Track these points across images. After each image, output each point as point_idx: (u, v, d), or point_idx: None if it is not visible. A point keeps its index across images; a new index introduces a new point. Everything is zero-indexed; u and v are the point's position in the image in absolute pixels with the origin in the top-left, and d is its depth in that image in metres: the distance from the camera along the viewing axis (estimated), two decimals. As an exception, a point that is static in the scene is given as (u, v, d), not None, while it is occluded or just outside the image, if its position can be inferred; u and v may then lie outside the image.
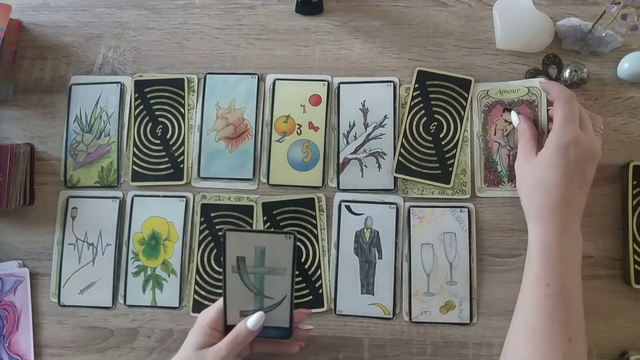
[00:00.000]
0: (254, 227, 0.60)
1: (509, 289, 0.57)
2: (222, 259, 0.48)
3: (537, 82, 0.59)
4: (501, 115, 0.60)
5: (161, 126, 0.63)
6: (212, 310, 0.50)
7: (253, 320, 0.48)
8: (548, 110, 0.57)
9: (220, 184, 0.61)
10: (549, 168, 0.49)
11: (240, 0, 0.65)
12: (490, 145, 0.59)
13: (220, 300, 0.50)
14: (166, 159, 0.62)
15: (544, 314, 0.45)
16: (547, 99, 0.58)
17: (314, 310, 0.58)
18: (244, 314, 0.49)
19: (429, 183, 0.59)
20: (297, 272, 0.59)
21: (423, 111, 0.60)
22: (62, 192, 0.63)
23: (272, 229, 0.59)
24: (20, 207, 0.62)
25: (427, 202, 0.59)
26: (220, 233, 0.60)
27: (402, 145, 0.60)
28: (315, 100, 0.61)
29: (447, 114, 0.60)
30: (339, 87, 0.61)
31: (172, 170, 0.62)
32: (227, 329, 0.49)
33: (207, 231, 0.60)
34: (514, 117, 0.57)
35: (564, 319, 0.45)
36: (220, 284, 0.59)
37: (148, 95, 0.63)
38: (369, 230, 0.59)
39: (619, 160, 0.58)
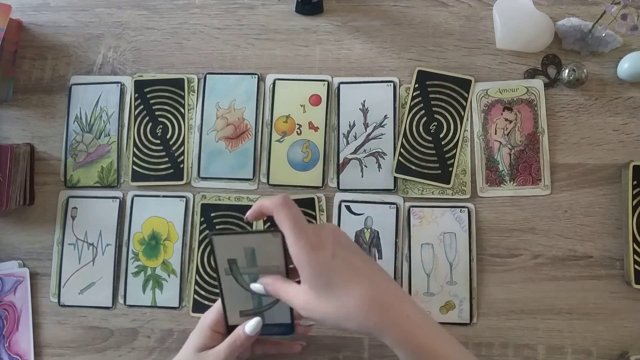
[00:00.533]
0: (254, 228, 0.60)
1: (509, 289, 0.57)
2: (213, 262, 0.47)
3: (536, 82, 0.59)
4: (501, 114, 0.60)
5: (161, 126, 0.63)
6: (213, 311, 0.50)
7: (251, 326, 0.47)
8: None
9: (220, 184, 0.61)
10: (323, 281, 0.40)
11: (240, 0, 0.65)
12: (491, 144, 0.59)
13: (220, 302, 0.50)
14: (166, 159, 0.62)
15: None
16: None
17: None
18: (245, 314, 0.49)
19: (429, 183, 0.59)
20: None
21: (423, 111, 0.60)
22: (62, 192, 0.63)
23: (259, 229, 0.59)
24: (20, 207, 0.62)
25: (427, 202, 0.59)
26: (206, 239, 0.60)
27: (402, 145, 0.60)
28: (315, 100, 0.61)
29: (447, 114, 0.60)
30: (339, 87, 0.61)
31: (172, 170, 0.62)
32: (229, 329, 0.49)
33: (207, 231, 0.60)
34: (257, 289, 0.45)
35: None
36: (220, 284, 0.59)
37: (148, 95, 0.63)
38: (369, 230, 0.59)
39: (619, 160, 0.58)
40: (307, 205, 0.60)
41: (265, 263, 0.46)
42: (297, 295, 0.41)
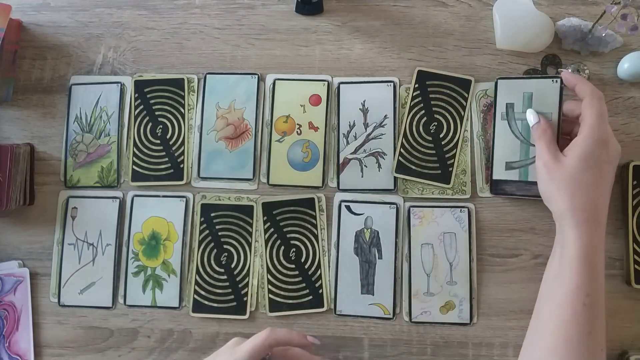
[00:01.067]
0: (254, 228, 0.60)
1: (509, 289, 0.57)
2: (491, 107, 0.55)
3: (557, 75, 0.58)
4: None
5: (161, 126, 0.63)
6: (251, 344, 0.47)
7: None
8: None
9: (220, 184, 0.61)
10: (589, 166, 0.46)
11: (240, 0, 0.65)
12: (490, 144, 0.59)
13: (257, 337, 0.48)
14: (166, 159, 0.62)
15: (580, 325, 0.43)
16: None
17: (314, 311, 0.59)
18: (510, 166, 0.54)
19: (429, 183, 0.59)
20: (301, 268, 0.59)
21: (423, 111, 0.60)
22: (62, 192, 0.63)
23: (542, 75, 0.59)
24: (20, 207, 0.62)
25: (427, 202, 0.59)
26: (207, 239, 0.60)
27: (402, 145, 0.60)
28: (315, 100, 0.61)
29: (447, 114, 0.60)
30: (339, 87, 0.61)
31: (172, 170, 0.62)
32: (493, 184, 0.55)
33: (207, 231, 0.60)
34: (531, 115, 0.54)
35: (598, 329, 0.43)
36: (220, 283, 0.59)
37: (148, 95, 0.63)
38: (369, 230, 0.59)
39: (619, 160, 0.58)
40: (307, 205, 0.60)
41: (540, 109, 0.53)
42: (555, 154, 0.49)
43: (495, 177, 0.57)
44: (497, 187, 0.58)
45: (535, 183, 0.54)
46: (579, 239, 0.45)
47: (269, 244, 0.60)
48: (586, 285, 0.44)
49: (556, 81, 0.55)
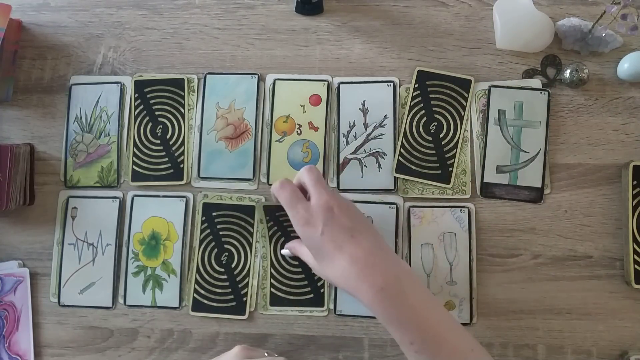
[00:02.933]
0: (255, 227, 0.60)
1: (509, 289, 0.57)
2: (486, 113, 0.57)
3: (534, 82, 0.59)
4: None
5: (161, 126, 0.63)
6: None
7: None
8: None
9: (220, 184, 0.61)
10: (325, 254, 0.46)
11: (240, 0, 0.65)
12: (490, 145, 0.60)
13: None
14: (166, 159, 0.62)
15: None
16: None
17: (313, 311, 0.59)
18: (500, 170, 0.55)
19: (429, 183, 0.59)
20: (304, 265, 0.59)
21: (423, 111, 0.60)
22: (62, 192, 0.63)
23: (531, 86, 0.59)
24: (20, 207, 0.62)
25: (427, 202, 0.59)
26: (207, 238, 0.60)
27: (402, 145, 0.60)
28: (315, 100, 0.61)
29: (447, 114, 0.60)
30: (339, 87, 0.61)
31: (172, 170, 0.62)
32: (483, 186, 0.57)
33: (208, 230, 0.60)
34: (285, 253, 0.57)
35: (448, 356, 0.42)
36: (220, 283, 0.59)
37: (148, 95, 0.63)
38: (369, 230, 0.59)
39: (619, 160, 0.58)
40: (307, 205, 0.60)
41: (529, 118, 0.57)
42: (308, 255, 0.50)
43: (485, 179, 0.58)
44: (487, 190, 0.58)
45: (524, 187, 0.57)
46: (373, 308, 0.44)
47: (272, 241, 0.60)
48: (403, 336, 0.43)
49: (544, 93, 0.58)
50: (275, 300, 0.59)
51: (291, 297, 0.59)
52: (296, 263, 0.59)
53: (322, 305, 0.59)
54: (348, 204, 0.48)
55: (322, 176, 0.49)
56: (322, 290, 0.59)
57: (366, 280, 0.43)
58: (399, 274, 0.44)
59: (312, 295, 0.59)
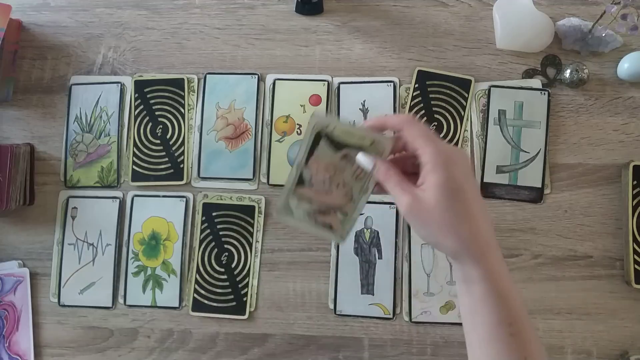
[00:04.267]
0: (254, 227, 0.60)
1: (509, 289, 0.57)
2: (486, 113, 0.57)
3: (534, 82, 0.59)
4: (501, 115, 0.60)
5: (161, 126, 0.63)
6: None
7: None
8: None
9: (220, 184, 0.61)
10: (453, 193, 0.40)
11: (240, 0, 0.65)
12: (490, 145, 0.59)
13: None
14: (166, 159, 0.62)
15: (515, 354, 0.41)
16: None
17: (327, 237, 0.59)
18: (500, 170, 0.55)
19: (429, 183, 0.59)
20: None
21: (423, 111, 0.60)
22: (62, 192, 0.63)
23: (532, 86, 0.59)
24: (20, 207, 0.62)
25: (427, 202, 0.59)
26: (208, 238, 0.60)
27: (402, 145, 0.60)
28: (315, 100, 0.61)
29: (447, 114, 0.60)
30: (339, 87, 0.61)
31: (172, 170, 0.62)
32: (483, 186, 0.57)
33: (208, 230, 0.60)
34: (363, 161, 0.44)
35: (534, 349, 0.41)
36: (220, 283, 0.59)
37: (148, 95, 0.63)
38: (369, 230, 0.59)
39: (619, 160, 0.58)
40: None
41: (529, 118, 0.56)
42: (411, 192, 0.42)
43: (485, 179, 0.58)
44: (487, 189, 0.58)
45: (524, 187, 0.57)
46: (483, 275, 0.41)
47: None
48: (506, 316, 0.41)
49: (544, 93, 0.59)
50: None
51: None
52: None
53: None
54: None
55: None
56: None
57: (487, 255, 0.42)
58: (505, 264, 0.43)
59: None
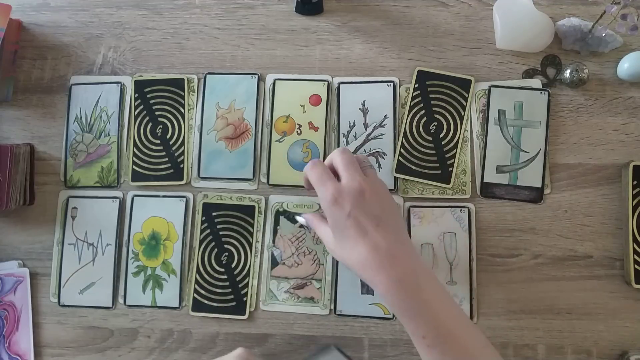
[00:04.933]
0: (254, 227, 0.60)
1: (509, 289, 0.57)
2: (486, 113, 0.57)
3: (534, 82, 0.59)
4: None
5: (161, 126, 0.63)
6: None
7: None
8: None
9: (220, 184, 0.61)
10: (343, 235, 0.45)
11: (240, 0, 0.65)
12: (490, 145, 0.60)
13: None
14: (166, 159, 0.62)
15: None
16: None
17: (313, 310, 0.59)
18: (500, 170, 0.55)
19: (429, 183, 0.59)
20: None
21: (423, 111, 0.60)
22: (62, 192, 0.63)
23: (529, 86, 0.59)
24: (20, 207, 0.62)
25: (427, 202, 0.59)
26: (207, 238, 0.60)
27: (402, 145, 0.60)
28: (315, 100, 0.61)
29: (447, 114, 0.60)
30: (339, 87, 0.61)
31: (172, 170, 0.62)
32: (483, 186, 0.58)
33: (208, 230, 0.60)
34: (300, 220, 0.53)
35: (459, 352, 0.42)
36: (220, 283, 0.59)
37: (148, 95, 0.63)
38: (369, 230, 0.59)
39: (619, 160, 0.58)
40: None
41: (529, 118, 0.57)
42: (327, 234, 0.48)
43: (485, 179, 0.58)
44: (487, 189, 0.58)
45: (524, 187, 0.57)
46: (386, 299, 0.44)
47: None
48: (416, 329, 0.43)
49: (544, 93, 0.59)
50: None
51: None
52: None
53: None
54: (379, 189, 0.47)
55: (355, 159, 0.48)
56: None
57: (384, 271, 0.43)
58: (416, 268, 0.44)
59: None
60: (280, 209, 0.59)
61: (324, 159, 0.60)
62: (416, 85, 0.61)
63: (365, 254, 0.44)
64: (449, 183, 0.59)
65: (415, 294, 0.43)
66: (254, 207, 0.60)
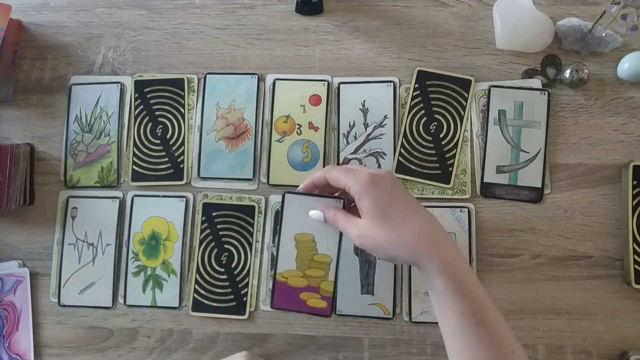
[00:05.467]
0: (254, 227, 0.60)
1: (509, 289, 0.57)
2: (486, 113, 0.58)
3: (534, 82, 0.59)
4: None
5: (161, 126, 0.63)
6: None
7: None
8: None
9: (220, 184, 0.61)
10: (385, 211, 0.45)
11: (240, 0, 0.65)
12: (490, 145, 0.59)
13: None
14: (166, 159, 0.62)
15: (482, 343, 0.43)
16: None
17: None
18: (500, 170, 0.55)
19: (429, 183, 0.59)
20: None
21: (423, 111, 0.60)
22: (62, 192, 0.63)
23: (530, 86, 0.60)
24: (20, 207, 0.62)
25: (427, 202, 0.59)
26: (207, 238, 0.60)
27: (402, 145, 0.60)
28: (315, 100, 0.61)
29: (447, 114, 0.60)
30: (339, 87, 0.61)
31: (172, 170, 0.62)
32: (483, 186, 0.58)
33: (208, 230, 0.60)
34: (314, 215, 0.51)
35: (500, 337, 0.43)
36: (220, 283, 0.60)
37: (148, 95, 0.63)
38: (369, 230, 0.59)
39: (619, 160, 0.58)
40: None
41: (529, 118, 0.57)
42: (356, 224, 0.47)
43: (485, 179, 0.58)
44: (486, 189, 0.58)
45: (524, 187, 0.57)
46: (439, 268, 0.44)
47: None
48: (467, 306, 0.43)
49: (544, 93, 0.59)
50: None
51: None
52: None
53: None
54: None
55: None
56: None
57: (437, 249, 0.44)
58: (461, 257, 0.46)
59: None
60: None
61: (324, 159, 0.60)
62: (416, 85, 0.61)
63: (418, 227, 0.45)
64: (449, 183, 0.59)
65: (466, 272, 0.44)
66: (254, 207, 0.60)
